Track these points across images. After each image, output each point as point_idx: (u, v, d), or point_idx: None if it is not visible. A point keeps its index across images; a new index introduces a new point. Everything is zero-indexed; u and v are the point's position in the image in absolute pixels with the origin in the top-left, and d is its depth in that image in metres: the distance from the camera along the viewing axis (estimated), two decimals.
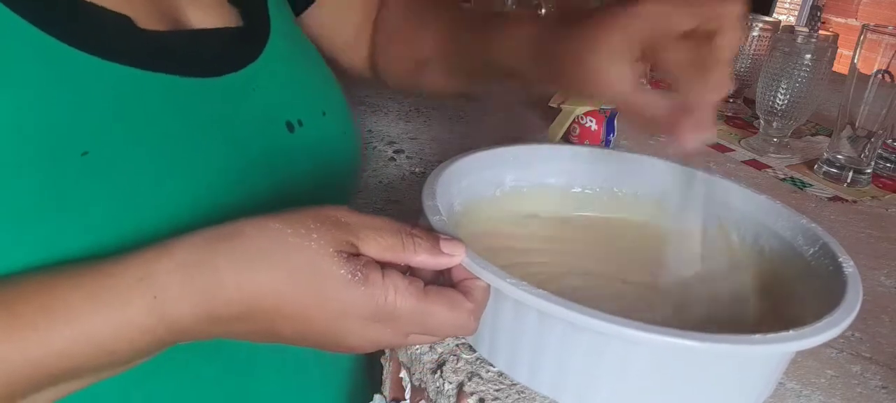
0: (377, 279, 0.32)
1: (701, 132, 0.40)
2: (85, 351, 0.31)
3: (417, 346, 0.43)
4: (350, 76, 0.63)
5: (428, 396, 0.42)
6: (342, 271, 0.32)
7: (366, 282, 0.32)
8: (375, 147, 0.72)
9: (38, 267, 0.33)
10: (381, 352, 0.49)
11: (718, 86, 0.39)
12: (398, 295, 0.32)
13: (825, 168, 0.79)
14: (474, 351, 0.42)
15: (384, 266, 0.33)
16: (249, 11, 0.47)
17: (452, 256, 0.35)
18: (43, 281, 0.32)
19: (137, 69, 0.37)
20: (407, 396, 0.45)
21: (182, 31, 0.42)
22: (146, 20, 0.39)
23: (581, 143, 0.74)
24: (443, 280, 0.37)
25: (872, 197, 0.75)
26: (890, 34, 0.70)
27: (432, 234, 0.36)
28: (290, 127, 0.45)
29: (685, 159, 0.42)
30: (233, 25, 0.45)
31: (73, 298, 0.31)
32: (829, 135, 0.84)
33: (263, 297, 0.32)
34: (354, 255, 0.33)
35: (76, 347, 0.31)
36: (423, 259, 0.35)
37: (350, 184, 0.54)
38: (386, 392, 0.48)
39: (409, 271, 0.36)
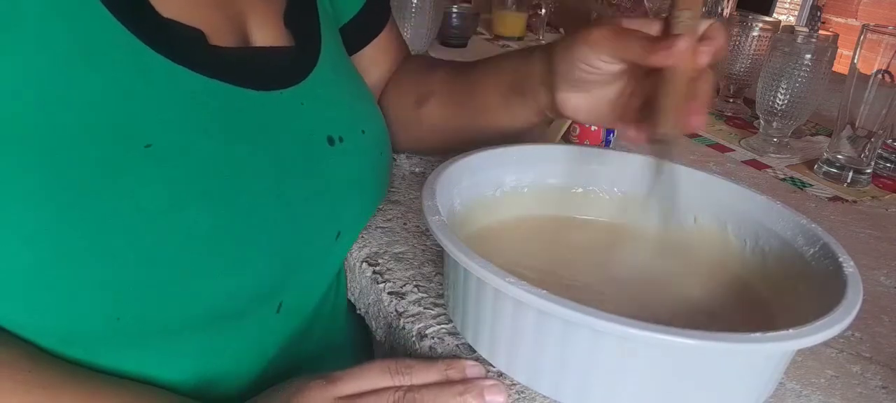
0: None
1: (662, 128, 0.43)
2: None
3: (417, 346, 0.43)
4: None
5: None
6: None
7: None
8: None
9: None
10: (380, 352, 0.49)
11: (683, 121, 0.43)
12: None
13: (825, 168, 0.79)
14: (474, 351, 0.42)
15: None
16: (303, 33, 0.51)
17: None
18: (89, 381, 0.37)
19: (204, 76, 0.41)
20: None
21: (246, 48, 0.46)
22: (216, 37, 0.43)
23: (581, 143, 0.74)
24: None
25: (872, 197, 0.75)
26: (890, 34, 0.70)
27: (477, 382, 0.38)
28: (330, 141, 0.48)
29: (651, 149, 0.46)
30: (288, 45, 0.49)
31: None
32: (829, 135, 0.84)
33: None
34: None
35: None
36: None
37: (380, 196, 0.57)
38: None
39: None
